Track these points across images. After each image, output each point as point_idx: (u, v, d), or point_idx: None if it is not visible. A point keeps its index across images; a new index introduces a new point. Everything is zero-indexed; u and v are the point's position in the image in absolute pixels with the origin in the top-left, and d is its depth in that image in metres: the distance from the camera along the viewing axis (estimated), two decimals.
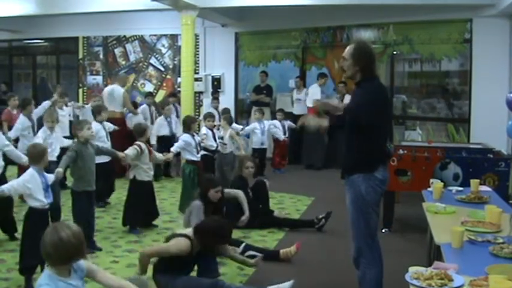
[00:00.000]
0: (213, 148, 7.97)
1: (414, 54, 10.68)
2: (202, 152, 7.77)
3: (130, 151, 6.21)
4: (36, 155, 4.66)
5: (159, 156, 6.78)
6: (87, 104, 11.23)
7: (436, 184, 4.72)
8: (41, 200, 4.56)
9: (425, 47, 10.17)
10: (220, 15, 11.22)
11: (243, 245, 5.31)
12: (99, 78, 13.58)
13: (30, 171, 4.59)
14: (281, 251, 5.31)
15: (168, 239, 4.36)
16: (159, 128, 9.37)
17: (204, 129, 8.07)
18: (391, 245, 5.72)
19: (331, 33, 11.19)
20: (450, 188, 4.96)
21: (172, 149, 7.29)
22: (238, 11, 11.16)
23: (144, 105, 10.25)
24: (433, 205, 4.23)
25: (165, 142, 8.91)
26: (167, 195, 8.12)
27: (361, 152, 3.66)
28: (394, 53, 10.62)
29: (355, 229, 3.76)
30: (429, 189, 4.82)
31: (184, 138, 7.35)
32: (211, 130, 8.12)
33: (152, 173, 6.49)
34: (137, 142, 6.34)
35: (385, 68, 10.95)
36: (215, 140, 8.09)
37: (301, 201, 7.88)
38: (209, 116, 8.30)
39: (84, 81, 13.71)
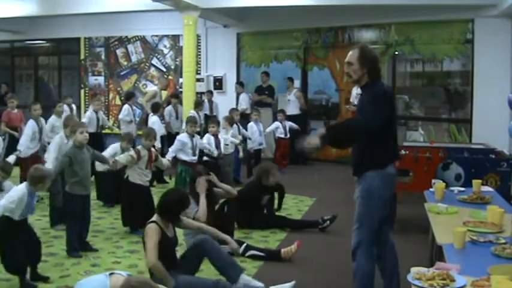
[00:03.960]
0: (215, 155, 7.86)
1: (416, 55, 10.67)
2: (205, 158, 7.74)
3: (122, 157, 6.12)
4: (36, 178, 4.53)
5: (165, 162, 6.68)
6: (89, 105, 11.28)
7: (438, 184, 4.71)
8: (19, 215, 4.49)
9: (427, 48, 10.17)
10: (222, 16, 11.23)
11: (244, 245, 5.32)
12: (100, 79, 13.60)
13: (22, 191, 4.48)
14: (282, 250, 5.30)
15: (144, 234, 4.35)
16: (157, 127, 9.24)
17: (206, 137, 8.00)
18: None
19: (333, 34, 11.20)
20: (452, 188, 4.95)
21: (167, 155, 7.25)
22: (240, 11, 11.17)
23: (127, 106, 9.89)
24: (435, 205, 4.23)
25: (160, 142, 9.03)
26: None
27: (372, 151, 3.73)
28: (396, 53, 10.61)
29: (360, 222, 3.80)
30: (431, 189, 4.82)
31: (180, 138, 7.33)
32: (215, 136, 7.99)
33: (147, 178, 6.31)
34: (138, 147, 6.27)
35: (387, 68, 10.92)
36: (218, 148, 7.95)
37: (303, 201, 7.87)
38: (212, 122, 8.20)
39: (86, 82, 13.74)
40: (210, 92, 11.80)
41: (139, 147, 6.28)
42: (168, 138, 9.71)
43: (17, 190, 4.53)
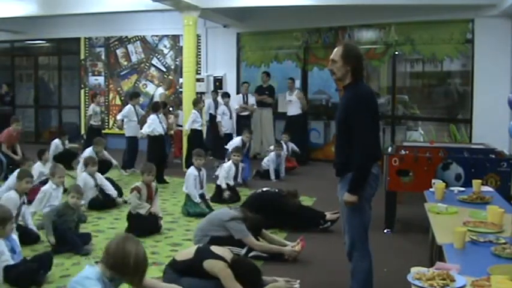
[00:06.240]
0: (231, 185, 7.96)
1: (416, 55, 10.68)
2: (224, 186, 7.80)
3: (133, 204, 6.17)
4: None
5: (158, 210, 6.45)
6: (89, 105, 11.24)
7: (438, 184, 4.70)
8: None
9: (427, 47, 10.16)
10: (222, 16, 11.23)
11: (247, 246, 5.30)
12: (101, 79, 13.61)
13: None
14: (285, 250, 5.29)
15: (202, 254, 4.25)
16: (154, 126, 9.21)
17: (226, 165, 8.11)
18: (393, 245, 5.74)
19: (333, 34, 11.19)
20: (452, 188, 4.94)
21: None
22: (240, 11, 11.17)
23: (129, 106, 10.00)
24: (435, 205, 4.22)
25: (159, 142, 9.19)
26: (169, 196, 8.12)
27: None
28: (396, 53, 10.61)
29: (349, 224, 3.83)
30: (431, 189, 4.81)
31: (189, 172, 7.33)
32: (236, 166, 8.15)
33: (146, 209, 6.22)
34: (137, 184, 6.27)
35: (387, 68, 10.95)
36: (236, 178, 8.14)
37: (303, 201, 7.84)
38: (235, 151, 8.32)
39: (86, 82, 13.74)
40: (216, 92, 11.81)
41: (139, 184, 6.30)
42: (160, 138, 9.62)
43: None
